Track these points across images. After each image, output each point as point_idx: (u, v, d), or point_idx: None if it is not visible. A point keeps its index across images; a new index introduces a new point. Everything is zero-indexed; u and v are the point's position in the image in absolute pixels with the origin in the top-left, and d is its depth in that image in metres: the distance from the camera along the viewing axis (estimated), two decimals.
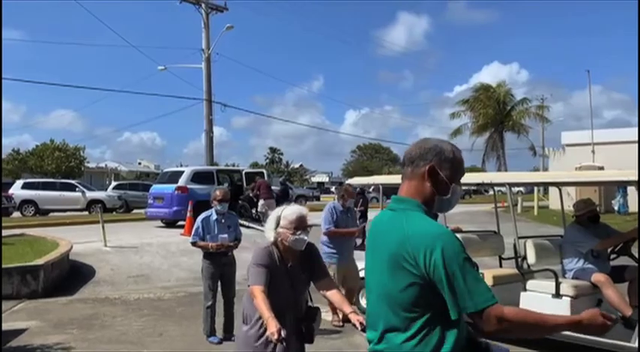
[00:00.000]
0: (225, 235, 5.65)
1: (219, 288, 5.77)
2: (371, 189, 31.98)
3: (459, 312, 1.52)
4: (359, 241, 7.10)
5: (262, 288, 2.86)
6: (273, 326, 2.66)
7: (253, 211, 16.34)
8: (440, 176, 1.71)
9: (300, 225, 3.00)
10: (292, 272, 3.04)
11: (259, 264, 2.97)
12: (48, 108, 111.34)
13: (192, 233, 5.76)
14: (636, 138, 17.76)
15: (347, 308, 2.88)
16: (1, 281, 5.16)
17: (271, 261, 2.99)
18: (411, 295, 1.58)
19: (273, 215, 3.09)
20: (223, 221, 5.69)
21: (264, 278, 2.91)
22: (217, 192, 5.76)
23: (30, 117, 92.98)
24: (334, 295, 3.05)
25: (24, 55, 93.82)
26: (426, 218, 1.65)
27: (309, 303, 3.21)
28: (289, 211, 3.04)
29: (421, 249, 1.55)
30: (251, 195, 16.14)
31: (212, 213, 5.68)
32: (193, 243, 5.71)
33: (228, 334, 5.68)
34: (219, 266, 5.66)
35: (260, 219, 15.77)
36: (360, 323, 2.59)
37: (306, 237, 3.02)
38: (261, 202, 15.59)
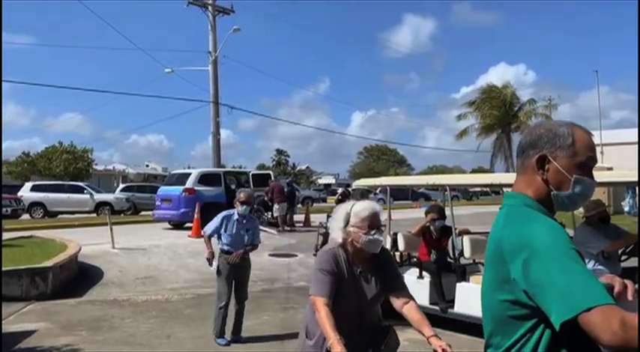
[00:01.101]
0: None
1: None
2: (377, 191, 31.99)
3: (564, 316, 1.19)
4: None
5: (326, 301, 2.44)
6: (338, 351, 2.26)
7: (268, 215, 16.26)
8: (554, 166, 1.42)
9: (374, 223, 2.57)
10: (361, 280, 2.61)
11: (324, 269, 2.53)
12: (57, 112, 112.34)
13: (210, 225, 5.74)
14: None
15: (427, 331, 2.39)
16: (0, 282, 5.20)
17: (338, 267, 2.55)
18: (504, 305, 1.36)
19: (340, 212, 2.65)
20: (244, 221, 5.70)
21: (328, 287, 2.48)
22: (241, 195, 5.73)
23: (40, 120, 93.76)
24: (411, 312, 2.54)
25: (34, 60, 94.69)
26: (529, 215, 1.39)
27: (381, 321, 2.75)
28: (361, 207, 2.60)
29: (511, 254, 1.32)
30: (266, 199, 16.06)
31: (234, 213, 5.69)
32: (208, 236, 5.73)
33: (237, 336, 5.68)
34: (235, 267, 5.62)
35: (276, 223, 15.67)
36: (443, 350, 2.23)
37: (381, 238, 2.60)
38: (275, 206, 15.55)
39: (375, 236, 2.56)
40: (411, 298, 2.63)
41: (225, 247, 5.63)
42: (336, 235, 2.62)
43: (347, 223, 2.58)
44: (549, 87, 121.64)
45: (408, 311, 2.55)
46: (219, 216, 5.73)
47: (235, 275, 5.65)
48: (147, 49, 59.69)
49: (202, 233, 5.86)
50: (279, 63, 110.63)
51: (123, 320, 6.65)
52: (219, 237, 5.69)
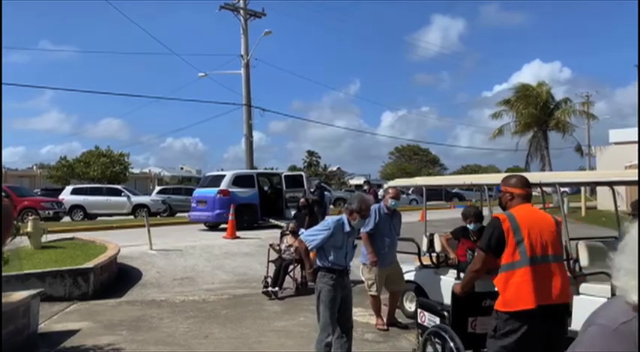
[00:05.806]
0: None
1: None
2: (410, 191, 31.64)
3: None
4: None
5: None
6: None
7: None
8: None
9: None
10: None
11: None
12: (96, 117, 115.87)
13: (315, 235, 4.55)
14: None
15: None
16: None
17: None
18: None
19: (631, 242, 1.25)
20: (353, 233, 4.70)
21: None
22: (362, 205, 4.56)
23: (79, 125, 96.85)
24: None
25: (74, 67, 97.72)
26: None
27: None
28: None
29: None
30: None
31: (345, 224, 4.56)
32: (311, 249, 4.62)
33: None
34: (342, 288, 4.57)
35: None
36: None
37: None
38: None
39: None
40: None
41: (330, 264, 4.50)
42: (626, 289, 1.23)
43: None
44: (584, 84, 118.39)
45: None
46: (329, 224, 4.54)
47: (341, 297, 4.58)
48: (180, 53, 60.64)
49: (304, 243, 4.58)
50: (310, 65, 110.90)
51: (162, 320, 6.77)
52: (318, 250, 4.56)
